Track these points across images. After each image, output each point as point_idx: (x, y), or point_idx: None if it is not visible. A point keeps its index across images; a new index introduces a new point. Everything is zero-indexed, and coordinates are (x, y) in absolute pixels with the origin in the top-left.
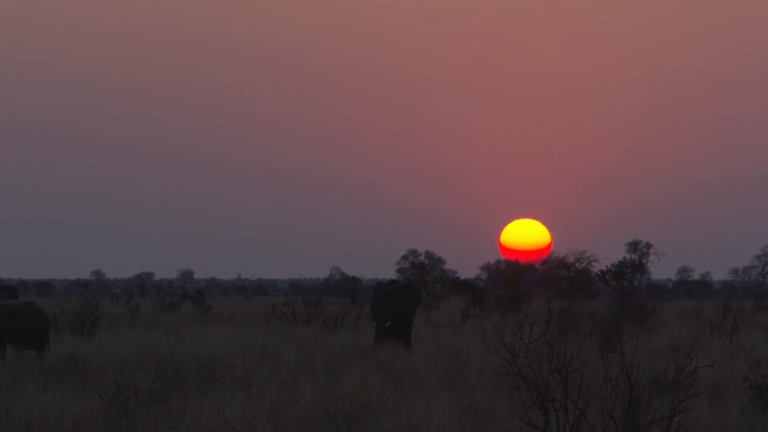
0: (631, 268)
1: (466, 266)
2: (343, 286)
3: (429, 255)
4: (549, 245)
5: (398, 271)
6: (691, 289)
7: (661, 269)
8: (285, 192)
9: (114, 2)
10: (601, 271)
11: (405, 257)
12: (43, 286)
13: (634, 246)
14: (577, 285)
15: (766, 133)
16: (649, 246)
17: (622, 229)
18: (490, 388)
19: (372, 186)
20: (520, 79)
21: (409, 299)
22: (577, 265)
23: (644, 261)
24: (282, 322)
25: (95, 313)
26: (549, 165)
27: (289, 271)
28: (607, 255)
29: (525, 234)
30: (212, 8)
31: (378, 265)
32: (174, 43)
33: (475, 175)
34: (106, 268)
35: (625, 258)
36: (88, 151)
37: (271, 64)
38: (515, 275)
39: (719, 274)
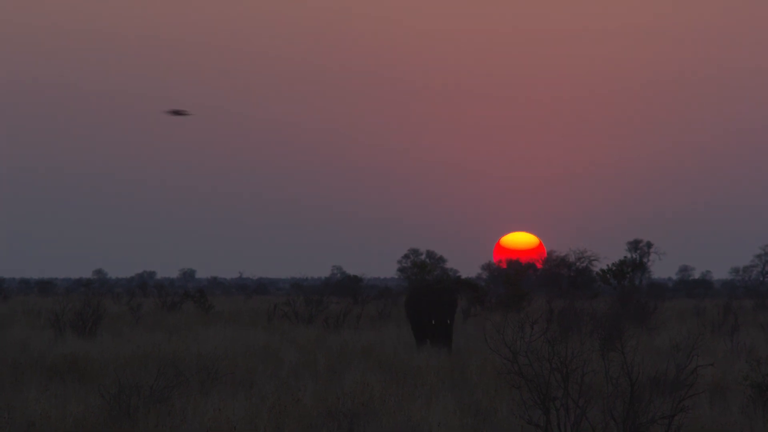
0: (632, 268)
1: (467, 265)
2: (345, 286)
3: (430, 254)
4: (541, 250)
5: (399, 270)
6: (691, 288)
7: (662, 268)
8: (286, 191)
9: None
10: (602, 270)
11: (406, 256)
12: (45, 286)
13: (634, 245)
14: (578, 284)
15: (767, 134)
16: (649, 245)
17: (622, 229)
18: (492, 387)
19: (373, 186)
20: (521, 81)
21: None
22: (578, 264)
23: (645, 260)
24: (283, 321)
25: (97, 312)
26: (549, 165)
27: (291, 270)
28: (607, 254)
29: (519, 246)
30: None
31: (379, 264)
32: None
33: (476, 176)
34: (107, 267)
35: (625, 257)
36: (89, 151)
37: (272, 67)
38: (516, 275)
39: (720, 273)
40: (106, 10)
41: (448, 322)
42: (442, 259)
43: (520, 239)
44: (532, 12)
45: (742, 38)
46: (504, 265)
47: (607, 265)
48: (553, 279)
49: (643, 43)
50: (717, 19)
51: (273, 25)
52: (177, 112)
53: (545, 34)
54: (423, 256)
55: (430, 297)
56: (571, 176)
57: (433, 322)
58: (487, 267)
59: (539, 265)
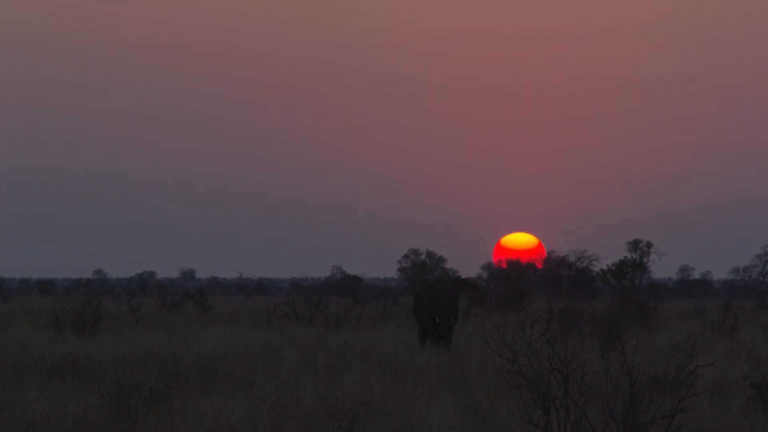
0: (632, 267)
1: (467, 265)
2: (345, 285)
3: (430, 254)
4: (541, 251)
5: (399, 270)
6: (691, 288)
7: (662, 268)
8: (286, 191)
9: None
10: (602, 270)
11: (406, 256)
12: (45, 285)
13: (635, 245)
14: (578, 284)
15: (767, 134)
16: (649, 245)
17: (623, 229)
18: (492, 387)
19: (373, 186)
20: (522, 80)
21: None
22: (578, 264)
23: (645, 260)
24: (283, 321)
25: (97, 312)
26: (550, 165)
27: (291, 270)
28: (608, 254)
29: (519, 246)
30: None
31: (379, 264)
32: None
33: (476, 176)
34: (107, 267)
35: (625, 257)
36: (89, 151)
37: (270, 72)
38: (516, 274)
39: (720, 273)
40: (108, 9)
41: (453, 321)
42: (442, 259)
43: (520, 239)
44: (532, 11)
45: (743, 36)
46: (504, 265)
47: (607, 265)
48: (553, 279)
49: (643, 42)
50: (718, 17)
51: (273, 23)
52: None
53: (544, 33)
54: (423, 256)
55: (435, 297)
56: (571, 176)
57: (437, 327)
58: (487, 267)
59: (539, 265)
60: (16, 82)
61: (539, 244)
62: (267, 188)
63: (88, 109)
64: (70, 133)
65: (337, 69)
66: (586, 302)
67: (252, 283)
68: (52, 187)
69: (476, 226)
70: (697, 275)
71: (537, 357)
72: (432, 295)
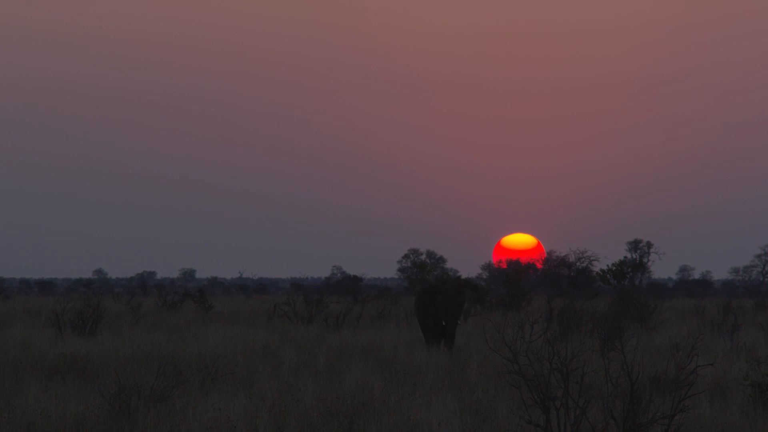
0: (632, 267)
1: (467, 265)
2: (345, 285)
3: (430, 254)
4: (540, 251)
5: (399, 270)
6: (691, 288)
7: (662, 268)
8: (286, 191)
9: None
10: (602, 270)
11: (406, 256)
12: (45, 285)
13: (634, 245)
14: (578, 284)
15: (767, 134)
16: (649, 245)
17: (623, 229)
18: (491, 386)
19: (373, 185)
20: (522, 79)
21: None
22: (578, 264)
23: (645, 260)
24: (283, 320)
25: (97, 312)
26: (549, 164)
27: (291, 270)
28: (608, 254)
29: (518, 247)
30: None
31: (379, 264)
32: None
33: (476, 176)
34: (108, 267)
35: (625, 257)
36: (90, 150)
37: (270, 69)
38: (516, 274)
39: (720, 273)
40: (108, 6)
41: (458, 321)
42: (442, 259)
43: (520, 240)
44: (534, 7)
45: (744, 33)
46: (504, 265)
47: (607, 265)
48: (553, 279)
49: (645, 40)
50: (722, 11)
51: (273, 19)
52: None
53: (546, 29)
54: (423, 256)
55: (440, 297)
56: (571, 176)
57: (440, 328)
58: (487, 267)
59: (539, 265)
60: (14, 79)
61: (539, 244)
62: (267, 188)
63: (89, 108)
64: (71, 132)
65: (337, 67)
66: (586, 302)
67: (252, 283)
68: (53, 186)
69: (476, 226)
70: (697, 275)
71: (537, 357)
72: (437, 295)
